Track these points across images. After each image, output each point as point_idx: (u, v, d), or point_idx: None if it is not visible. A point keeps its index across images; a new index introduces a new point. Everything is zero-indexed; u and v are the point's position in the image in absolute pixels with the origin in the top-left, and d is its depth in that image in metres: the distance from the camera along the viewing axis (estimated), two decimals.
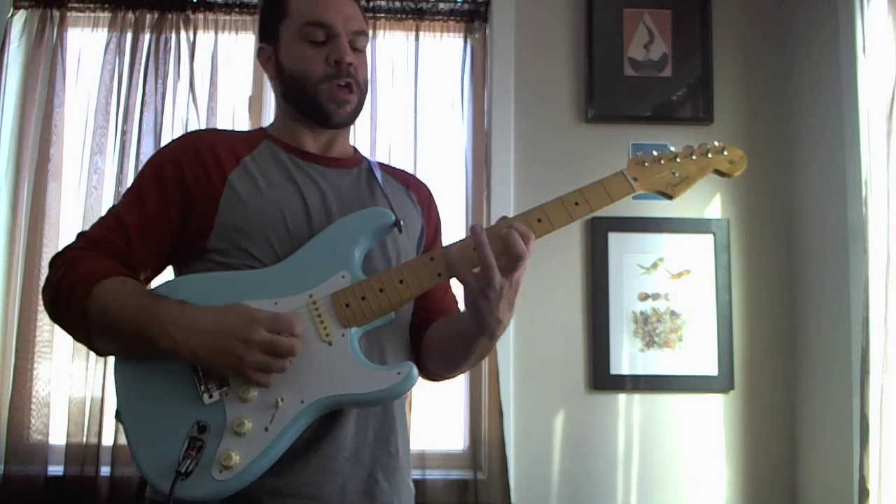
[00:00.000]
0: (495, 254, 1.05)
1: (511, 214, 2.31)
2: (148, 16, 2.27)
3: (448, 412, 2.28)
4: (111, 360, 2.18)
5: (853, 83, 1.96)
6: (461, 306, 1.19)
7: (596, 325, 2.21)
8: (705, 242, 2.26)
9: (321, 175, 1.23)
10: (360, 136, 2.25)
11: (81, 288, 1.07)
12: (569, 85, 2.33)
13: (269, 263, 1.13)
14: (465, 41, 2.34)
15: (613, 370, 2.20)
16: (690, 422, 2.22)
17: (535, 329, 2.21)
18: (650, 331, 2.22)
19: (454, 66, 2.34)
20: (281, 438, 1.03)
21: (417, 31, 2.31)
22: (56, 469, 2.08)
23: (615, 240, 2.23)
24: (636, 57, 2.31)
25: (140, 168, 1.21)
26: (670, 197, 1.19)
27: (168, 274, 1.23)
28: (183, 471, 0.99)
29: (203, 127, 2.23)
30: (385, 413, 1.18)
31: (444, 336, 1.25)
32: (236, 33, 2.34)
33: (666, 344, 2.22)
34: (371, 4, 2.28)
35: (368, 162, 1.32)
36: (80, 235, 1.17)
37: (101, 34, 2.28)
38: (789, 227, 2.29)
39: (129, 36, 2.26)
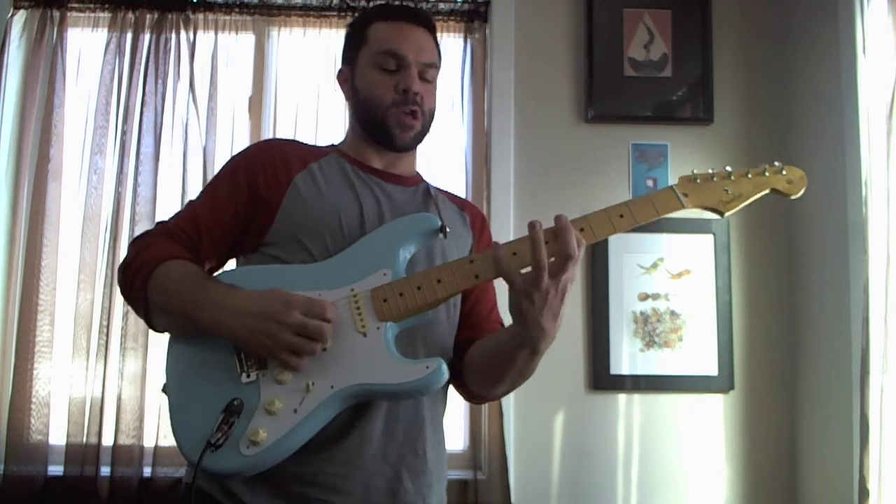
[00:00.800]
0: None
1: (511, 214, 2.32)
2: (148, 16, 2.27)
3: (448, 412, 2.27)
4: (110, 362, 2.18)
5: (853, 83, 1.96)
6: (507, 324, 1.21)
7: (596, 325, 2.21)
8: (705, 242, 2.26)
9: (380, 187, 1.30)
10: None
11: (146, 268, 1.16)
12: (569, 85, 2.33)
13: (321, 258, 1.19)
14: (465, 41, 2.34)
15: (613, 370, 2.20)
16: (690, 422, 2.22)
17: None
18: (650, 331, 2.22)
19: (454, 66, 2.34)
20: (308, 421, 1.07)
21: None
22: (56, 469, 2.08)
23: (615, 240, 2.23)
24: (636, 57, 2.31)
25: (219, 167, 1.33)
26: (721, 213, 1.17)
27: (231, 266, 1.31)
28: (213, 442, 1.05)
29: (203, 127, 2.23)
30: (416, 414, 1.21)
31: (485, 351, 1.26)
32: (236, 33, 2.34)
33: (666, 344, 2.22)
34: (370, 4, 2.28)
35: (427, 185, 1.39)
36: (158, 224, 1.28)
37: (101, 34, 2.28)
38: (789, 227, 2.29)
39: (129, 36, 2.26)
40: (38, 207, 2.16)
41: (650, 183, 2.28)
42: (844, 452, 1.93)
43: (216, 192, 1.28)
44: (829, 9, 2.09)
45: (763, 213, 2.29)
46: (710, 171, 1.18)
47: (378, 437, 1.16)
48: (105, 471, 2.07)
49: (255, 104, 2.33)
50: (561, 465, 2.18)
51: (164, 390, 1.15)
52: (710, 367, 2.22)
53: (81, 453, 2.07)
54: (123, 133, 2.21)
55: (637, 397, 2.21)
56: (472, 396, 1.35)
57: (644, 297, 2.23)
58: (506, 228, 2.21)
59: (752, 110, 2.34)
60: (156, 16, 2.26)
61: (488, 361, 1.25)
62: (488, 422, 2.17)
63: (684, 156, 2.30)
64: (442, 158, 2.31)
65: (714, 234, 2.26)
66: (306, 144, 1.37)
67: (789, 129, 2.32)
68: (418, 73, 1.29)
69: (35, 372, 2.10)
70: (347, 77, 1.35)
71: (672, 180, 2.25)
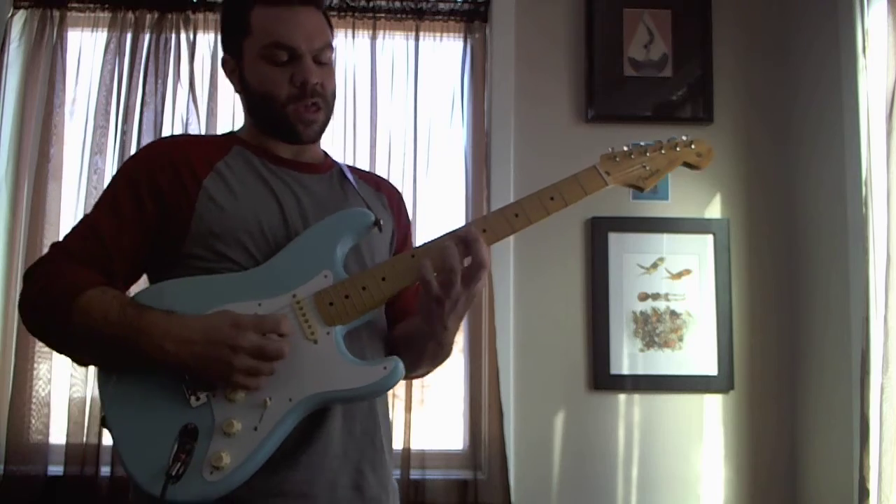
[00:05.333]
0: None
1: None
2: (148, 16, 2.26)
3: (448, 412, 2.28)
4: None
5: (853, 83, 1.96)
6: None
7: (596, 325, 2.21)
8: (705, 242, 2.26)
9: (295, 180, 1.24)
10: (359, 136, 2.25)
11: (62, 303, 1.06)
12: (569, 85, 2.32)
13: (248, 267, 1.13)
14: (465, 41, 2.33)
15: (613, 370, 2.20)
16: (690, 422, 2.22)
17: (535, 329, 2.21)
18: (650, 331, 2.22)
19: (454, 66, 2.34)
20: (270, 437, 1.04)
21: (417, 31, 2.31)
22: (56, 469, 2.08)
23: (615, 240, 2.23)
24: (636, 57, 2.31)
25: (112, 175, 1.22)
26: (641, 189, 1.23)
27: (144, 283, 1.22)
28: (174, 474, 0.99)
29: (203, 127, 2.23)
30: (370, 409, 1.20)
31: (402, 337, 1.27)
32: None
33: (666, 344, 2.22)
34: (371, 4, 2.28)
35: (339, 166, 1.34)
36: (54, 246, 1.16)
37: (101, 34, 2.27)
38: (789, 227, 2.29)
39: (129, 36, 2.25)
40: (38, 207, 2.16)
41: None
42: (844, 452, 1.93)
43: (117, 203, 1.16)
44: (829, 9, 2.08)
45: (763, 213, 2.30)
46: (625, 147, 1.22)
47: (338, 437, 1.14)
48: (105, 471, 2.06)
49: None
50: (561, 465, 2.18)
51: (103, 424, 1.07)
52: (710, 367, 2.22)
53: (81, 453, 2.07)
54: (123, 133, 2.20)
55: (637, 397, 2.21)
56: None
57: (644, 297, 2.23)
58: None
59: (752, 110, 2.34)
60: (156, 16, 2.26)
61: (406, 347, 1.25)
62: (488, 422, 2.17)
63: None
64: (442, 158, 2.31)
65: (714, 234, 2.26)
66: (203, 137, 1.33)
67: (789, 128, 2.32)
68: (313, 58, 1.20)
69: (35, 372, 2.09)
70: (234, 69, 1.26)
71: (672, 180, 2.27)
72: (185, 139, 1.35)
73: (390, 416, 1.30)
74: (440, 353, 1.22)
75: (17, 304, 2.13)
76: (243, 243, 1.14)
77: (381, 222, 1.18)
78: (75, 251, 1.14)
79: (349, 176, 1.31)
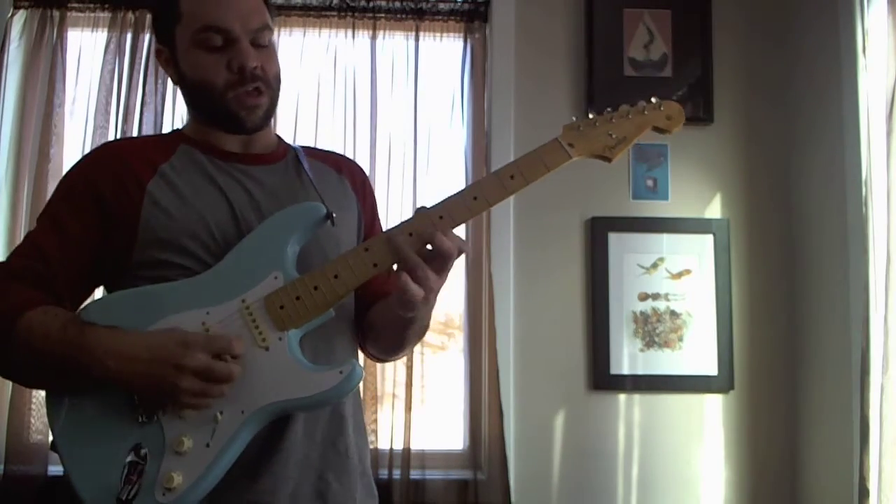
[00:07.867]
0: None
1: (510, 213, 2.31)
2: (148, 16, 2.26)
3: (448, 412, 2.28)
4: None
5: (853, 83, 1.96)
6: None
7: (596, 325, 2.21)
8: (705, 242, 2.26)
9: (244, 174, 1.17)
10: (359, 136, 2.25)
11: (2, 326, 1.02)
12: (569, 85, 2.32)
13: (199, 272, 1.08)
14: (465, 41, 2.33)
15: (613, 370, 2.20)
16: (690, 422, 2.21)
17: (535, 329, 2.21)
18: (650, 331, 2.22)
19: (454, 66, 2.34)
20: (225, 453, 1.00)
21: (417, 31, 2.31)
22: (56, 469, 2.07)
23: (615, 240, 2.23)
24: (636, 57, 2.31)
25: (54, 189, 1.17)
26: (608, 160, 1.14)
27: (98, 295, 1.19)
28: (124, 498, 0.96)
29: None
30: (333, 413, 1.16)
31: (379, 322, 1.23)
32: None
33: (666, 344, 2.22)
34: (371, 4, 2.28)
35: (295, 151, 1.27)
36: None
37: (101, 34, 2.27)
38: (789, 227, 2.29)
39: (129, 36, 2.25)
40: (38, 207, 2.16)
41: (650, 183, 2.28)
42: (844, 452, 1.93)
43: (58, 217, 1.11)
44: (829, 9, 2.08)
45: (763, 213, 2.29)
46: (590, 116, 1.14)
47: (299, 443, 1.10)
48: None
49: None
50: (561, 465, 2.18)
51: (53, 448, 1.03)
52: (710, 367, 2.22)
53: None
54: (123, 133, 2.20)
55: (637, 397, 2.21)
56: (374, 358, 1.34)
57: (644, 297, 2.23)
58: (506, 228, 2.21)
59: (752, 110, 2.34)
60: None
61: (384, 333, 1.22)
62: (488, 422, 2.17)
63: (684, 156, 2.29)
64: (442, 158, 2.31)
65: (714, 234, 2.26)
66: (147, 138, 1.27)
67: (789, 129, 2.32)
68: (250, 42, 1.12)
69: None
70: (169, 58, 1.17)
71: (672, 180, 2.27)
72: (128, 142, 1.27)
73: (365, 417, 1.26)
74: (423, 331, 1.19)
75: None
76: (192, 247, 1.09)
77: (335, 215, 1.11)
78: (17, 270, 1.08)
79: (304, 163, 1.24)
